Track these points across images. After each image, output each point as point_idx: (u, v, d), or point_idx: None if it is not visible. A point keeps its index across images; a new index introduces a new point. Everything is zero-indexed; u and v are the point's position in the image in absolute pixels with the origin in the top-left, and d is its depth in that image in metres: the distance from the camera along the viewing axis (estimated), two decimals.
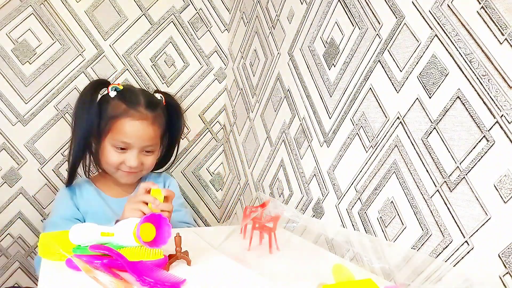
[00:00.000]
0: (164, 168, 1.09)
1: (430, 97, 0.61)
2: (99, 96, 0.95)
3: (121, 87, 0.94)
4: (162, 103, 0.98)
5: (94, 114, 0.91)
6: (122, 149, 0.91)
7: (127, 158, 0.91)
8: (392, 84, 0.68)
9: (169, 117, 1.00)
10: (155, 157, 0.98)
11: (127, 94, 0.93)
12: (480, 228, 0.54)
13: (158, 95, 0.99)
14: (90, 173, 0.99)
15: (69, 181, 0.96)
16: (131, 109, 0.90)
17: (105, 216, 0.91)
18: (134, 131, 0.90)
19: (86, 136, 0.92)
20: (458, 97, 0.57)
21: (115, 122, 0.90)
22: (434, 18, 0.60)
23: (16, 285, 1.11)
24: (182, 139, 1.21)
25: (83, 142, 0.92)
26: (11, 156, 1.07)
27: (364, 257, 0.66)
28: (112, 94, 0.92)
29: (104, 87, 0.95)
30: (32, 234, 1.11)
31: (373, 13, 0.72)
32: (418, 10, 0.63)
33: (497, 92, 0.52)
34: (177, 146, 1.08)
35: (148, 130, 0.92)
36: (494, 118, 0.52)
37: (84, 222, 0.90)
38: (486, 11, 0.53)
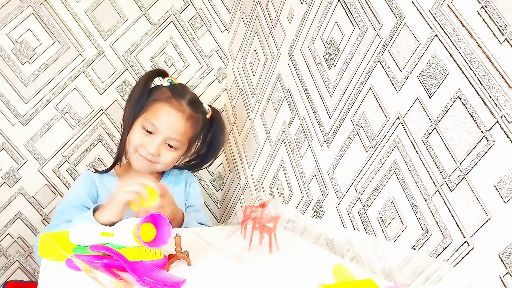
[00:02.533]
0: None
1: (430, 97, 0.61)
2: (153, 84, 0.99)
3: (176, 82, 0.98)
4: (207, 115, 1.01)
5: (145, 98, 0.95)
6: (148, 132, 0.92)
7: (148, 142, 0.92)
8: (392, 84, 0.68)
9: (212, 131, 1.03)
10: (176, 156, 0.97)
11: (177, 87, 0.97)
12: (480, 228, 0.54)
13: (206, 106, 1.01)
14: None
15: (113, 164, 0.98)
16: (173, 98, 0.94)
17: None
18: (166, 117, 0.92)
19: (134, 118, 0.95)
20: (458, 97, 0.57)
21: (153, 104, 0.93)
22: (434, 18, 0.60)
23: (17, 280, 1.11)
24: None
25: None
26: (11, 156, 1.07)
27: (364, 257, 0.66)
28: (165, 84, 0.96)
29: (160, 77, 0.99)
30: (32, 234, 1.11)
31: (373, 13, 0.72)
32: (418, 10, 0.63)
33: (497, 92, 0.52)
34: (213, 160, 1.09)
35: (180, 123, 0.93)
36: (494, 118, 0.52)
37: None
38: (486, 11, 0.53)
